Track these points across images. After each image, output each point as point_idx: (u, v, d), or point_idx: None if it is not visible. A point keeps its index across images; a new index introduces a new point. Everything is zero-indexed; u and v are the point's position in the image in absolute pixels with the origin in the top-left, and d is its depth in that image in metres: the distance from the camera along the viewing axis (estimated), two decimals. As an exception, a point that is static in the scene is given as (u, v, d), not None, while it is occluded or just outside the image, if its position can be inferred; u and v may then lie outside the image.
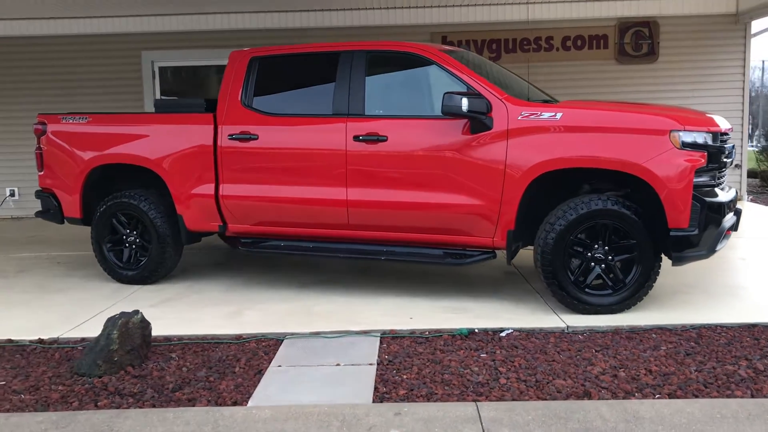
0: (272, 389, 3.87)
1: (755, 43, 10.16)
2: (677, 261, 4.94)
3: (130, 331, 4.26)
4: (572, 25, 10.83)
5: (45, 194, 6.74)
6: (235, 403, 3.70)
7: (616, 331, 4.76)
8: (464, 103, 5.03)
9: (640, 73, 10.86)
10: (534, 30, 10.80)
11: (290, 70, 6.07)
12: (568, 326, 4.84)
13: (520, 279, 6.24)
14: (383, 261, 5.79)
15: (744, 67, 10.89)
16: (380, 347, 4.55)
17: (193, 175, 6.05)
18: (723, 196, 5.05)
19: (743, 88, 10.88)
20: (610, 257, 5.05)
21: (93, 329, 4.85)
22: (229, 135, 5.91)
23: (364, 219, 5.61)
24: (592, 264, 5.08)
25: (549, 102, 5.62)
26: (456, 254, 5.46)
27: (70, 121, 6.54)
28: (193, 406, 3.71)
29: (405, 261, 5.67)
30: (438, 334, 4.78)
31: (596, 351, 4.37)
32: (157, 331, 4.72)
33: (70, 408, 3.70)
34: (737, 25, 10.78)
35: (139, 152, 6.20)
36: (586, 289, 5.08)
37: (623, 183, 5.22)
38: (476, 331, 4.80)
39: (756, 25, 10.86)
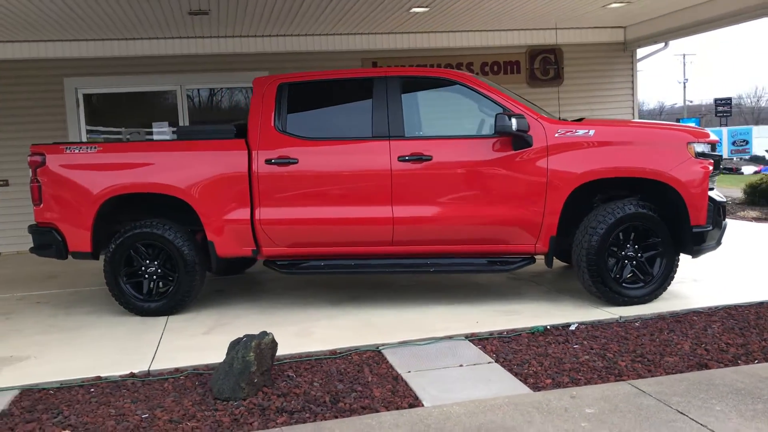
0: (431, 390, 4.12)
1: (646, 63, 11.67)
2: (696, 254, 5.78)
3: (263, 352, 4.31)
4: (489, 52, 11.78)
5: (44, 229, 6.36)
6: (411, 406, 3.93)
7: (661, 317, 5.47)
8: (513, 122, 5.57)
9: (548, 95, 11.95)
10: (456, 56, 11.61)
11: (321, 95, 6.29)
12: (620, 316, 5.49)
13: (537, 282, 6.85)
14: (407, 274, 6.15)
15: (633, 87, 12.41)
16: (480, 348, 4.92)
17: (226, 200, 6.05)
18: (721, 197, 5.98)
19: (633, 106, 12.39)
20: (639, 254, 5.79)
21: (170, 360, 4.90)
22: (266, 160, 6.00)
23: (409, 235, 5.94)
24: (625, 261, 5.78)
25: (564, 120, 6.29)
26: (500, 262, 5.95)
27: (76, 151, 6.27)
28: (360, 414, 3.88)
29: (452, 272, 6.08)
30: (517, 333, 5.24)
31: (667, 333, 5.05)
32: None
33: (253, 428, 3.74)
34: (626, 52, 12.28)
35: (164, 180, 6.10)
36: (623, 284, 5.77)
37: (636, 189, 5.98)
38: (549, 327, 5.31)
39: (640, 51, 12.44)
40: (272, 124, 6.08)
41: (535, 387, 4.15)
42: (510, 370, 4.44)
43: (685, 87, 65.31)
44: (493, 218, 5.82)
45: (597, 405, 3.74)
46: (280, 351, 4.81)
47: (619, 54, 12.29)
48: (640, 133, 5.85)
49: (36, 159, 6.31)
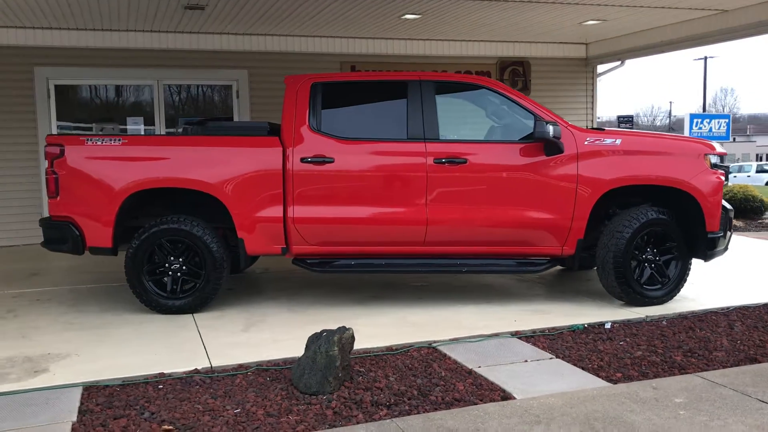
0: (515, 384, 4.27)
1: (605, 79, 12.37)
2: (709, 257, 6.20)
3: (344, 347, 4.34)
4: (462, 62, 12.10)
5: (60, 223, 6.12)
6: (504, 398, 4.07)
7: (683, 317, 5.84)
8: (551, 129, 5.82)
9: (516, 106, 12.40)
10: (431, 64, 11.85)
11: (355, 96, 6.35)
12: (647, 316, 5.82)
13: (543, 284, 7.13)
14: (430, 274, 6.33)
15: (593, 100, 13.04)
16: (531, 345, 5.12)
17: (258, 198, 6.02)
18: (729, 206, 6.43)
19: (592, 118, 13.02)
20: (657, 258, 6.15)
21: (227, 357, 4.86)
22: (301, 158, 6.01)
23: (441, 235, 6.09)
24: (645, 264, 6.13)
25: (589, 129, 6.59)
26: (528, 263, 6.18)
27: (99, 143, 6.08)
28: (457, 407, 3.98)
29: (482, 272, 6.26)
30: (558, 331, 5.47)
31: (699, 331, 5.40)
32: (292, 350, 4.86)
33: (359, 420, 3.78)
34: (587, 67, 12.88)
35: (195, 176, 5.99)
36: (644, 285, 6.11)
37: (648, 196, 6.35)
38: (586, 326, 5.57)
39: (600, 67, 13.08)
40: (307, 123, 6.09)
41: (610, 380, 4.37)
42: (575, 365, 4.65)
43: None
44: (524, 221, 6.03)
45: (682, 395, 3.99)
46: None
47: (582, 69, 12.88)
48: (662, 144, 6.21)
49: (53, 150, 6.07)
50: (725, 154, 6.40)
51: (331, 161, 6.01)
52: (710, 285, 6.97)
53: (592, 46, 12.71)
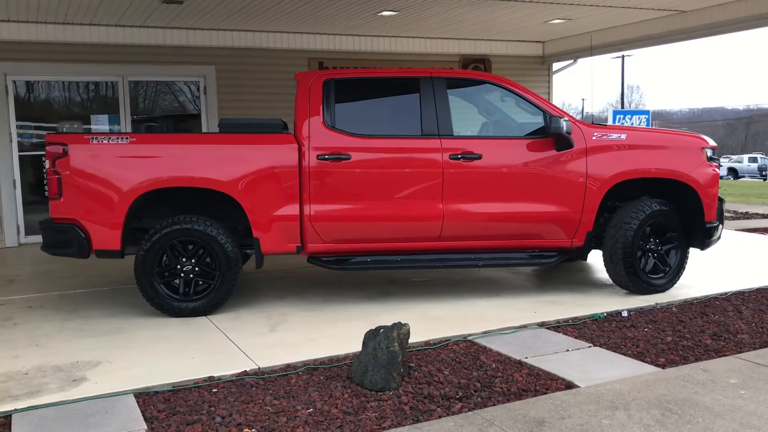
0: (571, 372, 4.38)
1: (556, 79, 12.78)
2: (707, 246, 6.52)
3: (402, 342, 4.36)
4: (427, 59, 12.21)
5: (64, 226, 5.87)
6: (568, 387, 4.18)
7: (689, 303, 6.12)
8: (564, 125, 6.00)
9: (478, 102, 12.64)
10: (397, 61, 11.92)
11: (367, 92, 6.34)
12: (656, 303, 6.07)
13: (540, 277, 7.33)
14: (445, 269, 6.48)
15: (549, 95, 13.40)
16: (563, 334, 5.27)
17: (275, 196, 5.93)
18: (721, 197, 6.77)
19: (549, 116, 13.37)
20: (659, 248, 6.42)
21: (270, 357, 4.79)
22: (318, 155, 5.96)
23: (457, 230, 6.16)
24: (648, 254, 6.39)
25: (596, 124, 6.79)
26: (540, 256, 6.33)
27: (105, 141, 5.86)
28: (525, 397, 4.07)
29: (497, 265, 6.36)
30: (582, 320, 5.64)
31: (712, 315, 5.68)
32: (334, 348, 4.88)
33: (438, 414, 3.81)
34: (544, 65, 13.24)
35: (209, 174, 5.85)
36: (649, 274, 6.37)
37: (647, 189, 6.62)
38: (606, 315, 5.77)
39: (556, 65, 13.47)
40: (322, 120, 6.04)
41: (656, 364, 4.55)
42: (616, 352, 4.81)
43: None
44: (537, 215, 6.18)
45: (734, 376, 4.21)
46: (359, 347, 4.84)
47: (539, 66, 13.23)
48: (663, 138, 6.49)
49: (56, 149, 5.81)
50: (716, 147, 6.74)
51: (348, 158, 5.99)
52: (699, 273, 7.31)
53: (548, 45, 13.08)
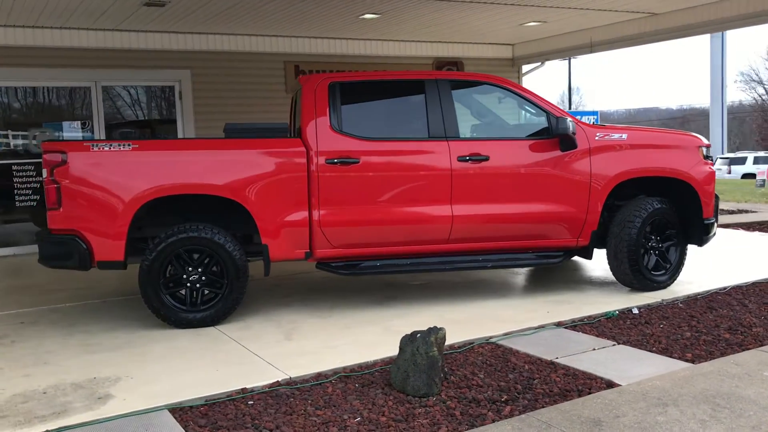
0: (606, 370, 4.41)
1: (525, 80, 12.95)
2: (704, 242, 6.67)
3: (440, 347, 4.32)
4: (401, 62, 12.22)
5: (65, 237, 5.63)
6: (609, 386, 4.20)
7: (692, 298, 6.25)
8: (570, 125, 6.06)
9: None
10: (372, 64, 11.88)
11: (372, 95, 6.28)
12: (662, 299, 6.18)
13: (536, 278, 7.38)
14: (454, 271, 6.46)
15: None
16: (582, 333, 5.31)
17: (283, 202, 5.82)
18: (716, 194, 6.94)
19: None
20: (660, 245, 6.54)
21: (297, 367, 4.68)
22: (327, 159, 5.88)
23: (466, 232, 6.16)
24: (650, 251, 6.51)
25: (596, 125, 6.87)
26: (547, 255, 6.38)
27: (106, 148, 5.65)
28: (567, 398, 4.09)
29: (506, 266, 6.38)
30: (596, 318, 5.69)
31: (720, 309, 5.81)
32: (358, 356, 4.83)
33: (489, 419, 3.78)
34: (514, 66, 13.40)
35: (216, 181, 5.71)
36: (652, 271, 6.48)
37: (644, 187, 6.74)
38: (618, 312, 5.84)
39: (525, 67, 13.65)
40: (329, 124, 5.96)
41: (685, 360, 4.62)
42: (641, 349, 4.86)
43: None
44: (544, 215, 6.22)
45: (766, 369, 4.30)
46: (387, 353, 4.83)
47: (508, 68, 13.37)
48: (663, 137, 6.62)
49: (54, 158, 5.58)
50: (709, 146, 6.91)
51: (357, 162, 5.92)
52: (693, 270, 7.47)
53: (518, 47, 13.24)
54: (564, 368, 4.53)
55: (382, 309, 6.17)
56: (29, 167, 9.70)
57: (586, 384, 4.24)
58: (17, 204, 9.66)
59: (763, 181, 17.12)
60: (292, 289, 7.13)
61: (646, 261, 6.44)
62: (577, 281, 7.07)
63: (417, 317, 5.84)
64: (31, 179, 9.71)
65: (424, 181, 6.04)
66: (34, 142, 9.74)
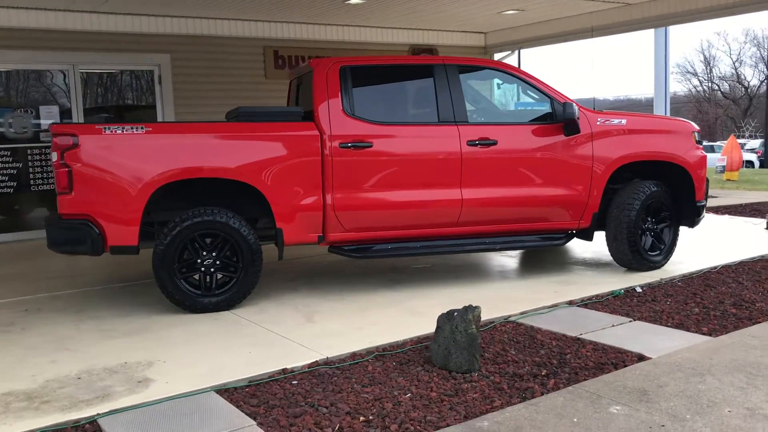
0: (634, 345, 4.58)
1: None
2: (696, 224, 6.96)
3: (477, 324, 4.43)
4: (377, 48, 12.27)
5: (76, 222, 5.53)
6: (641, 359, 4.37)
7: (688, 277, 6.52)
8: (576, 110, 6.24)
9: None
10: (349, 49, 11.89)
11: (383, 80, 6.33)
12: (661, 279, 6.43)
13: (531, 260, 7.58)
14: (472, 252, 6.57)
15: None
16: (594, 311, 5.50)
17: (298, 186, 5.84)
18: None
19: (492, 105, 13.75)
20: (656, 227, 6.80)
21: (329, 348, 4.73)
22: (340, 143, 5.91)
23: (474, 216, 6.28)
24: (646, 233, 6.76)
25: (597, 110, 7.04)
26: (550, 237, 6.56)
27: (119, 132, 5.56)
28: (604, 371, 4.25)
29: (514, 248, 6.55)
30: (604, 297, 5.89)
31: (718, 287, 6.08)
32: (387, 336, 4.92)
33: (537, 392, 3.91)
34: (486, 55, 13.59)
35: (232, 164, 5.68)
36: (648, 252, 6.73)
37: (638, 171, 6.98)
38: (623, 291, 6.06)
39: (497, 56, 13.85)
40: (341, 108, 5.98)
41: (703, 333, 4.84)
42: (658, 324, 5.08)
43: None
44: (550, 198, 6.39)
45: (781, 339, 4.56)
46: (415, 332, 4.95)
47: (481, 56, 13.53)
48: (659, 123, 6.86)
49: (65, 141, 5.46)
50: (700, 131, 7.20)
51: (370, 146, 5.96)
52: (680, 251, 7.77)
53: (490, 36, 13.42)
54: (592, 343, 4.69)
55: (393, 291, 6.24)
56: (5, 153, 9.40)
57: (618, 357, 4.41)
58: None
59: (723, 167, 17.84)
60: (295, 274, 7.14)
61: (643, 242, 6.68)
62: (573, 263, 7.29)
63: (434, 298, 5.94)
64: (6, 165, 9.42)
65: (435, 166, 6.12)
66: (11, 129, 9.43)
